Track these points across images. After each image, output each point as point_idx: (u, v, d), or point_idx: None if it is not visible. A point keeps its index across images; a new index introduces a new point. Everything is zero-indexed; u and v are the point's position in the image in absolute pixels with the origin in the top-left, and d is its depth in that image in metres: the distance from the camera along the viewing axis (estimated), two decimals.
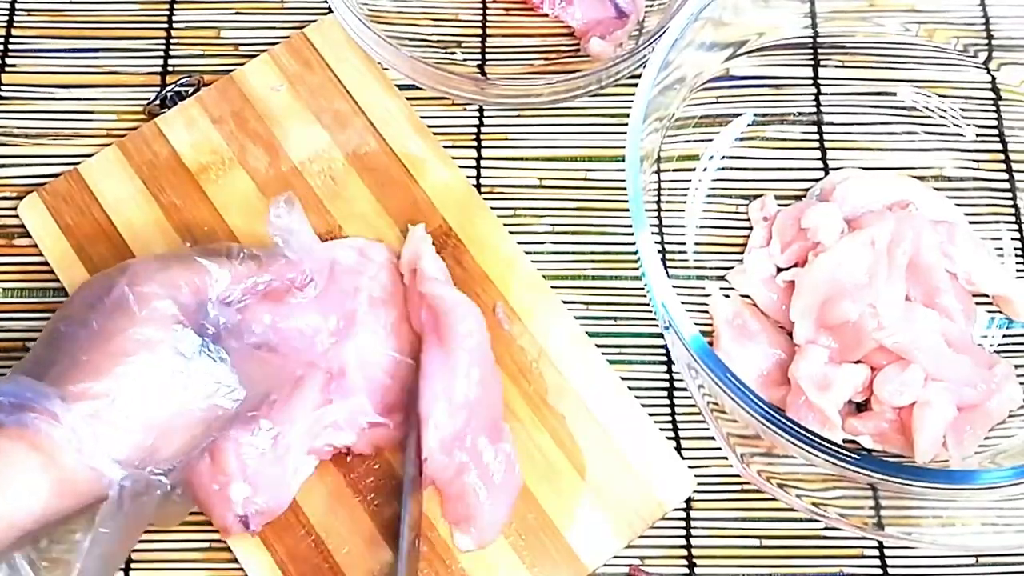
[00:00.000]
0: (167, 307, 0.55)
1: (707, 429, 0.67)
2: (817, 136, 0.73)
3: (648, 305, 0.69)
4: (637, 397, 0.67)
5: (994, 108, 0.74)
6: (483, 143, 0.74)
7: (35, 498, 0.50)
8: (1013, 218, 0.71)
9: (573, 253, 0.71)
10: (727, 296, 0.69)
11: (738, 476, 0.66)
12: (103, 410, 0.52)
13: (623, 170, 0.60)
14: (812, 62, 0.75)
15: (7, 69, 0.75)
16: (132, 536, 0.57)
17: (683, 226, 0.71)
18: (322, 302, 0.64)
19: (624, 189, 0.59)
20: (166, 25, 0.76)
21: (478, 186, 0.72)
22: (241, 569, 0.63)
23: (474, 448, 0.63)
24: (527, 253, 0.70)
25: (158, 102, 0.73)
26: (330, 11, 0.72)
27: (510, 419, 0.66)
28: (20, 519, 0.50)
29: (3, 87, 0.75)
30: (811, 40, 0.75)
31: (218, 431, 0.58)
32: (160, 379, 0.54)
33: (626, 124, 0.60)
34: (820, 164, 0.73)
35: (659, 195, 0.69)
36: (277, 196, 0.61)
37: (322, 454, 0.65)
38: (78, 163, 0.72)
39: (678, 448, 0.67)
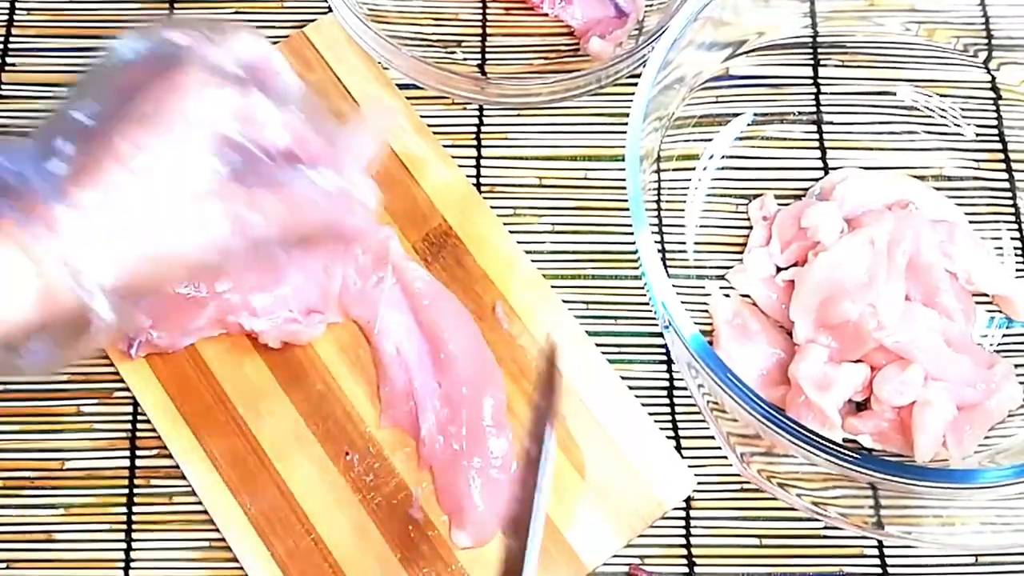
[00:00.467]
0: (216, 121, 0.49)
1: (707, 428, 0.67)
2: (817, 136, 0.73)
3: (648, 304, 0.69)
4: (637, 396, 0.67)
5: (994, 108, 0.74)
6: (483, 142, 0.74)
7: (22, 308, 0.45)
8: (1013, 218, 0.71)
9: (573, 252, 0.71)
10: (727, 295, 0.69)
11: (738, 475, 0.66)
12: (107, 229, 0.46)
13: (623, 169, 0.60)
14: (812, 62, 0.75)
15: (7, 68, 0.75)
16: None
17: (683, 225, 0.71)
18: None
19: (624, 188, 0.59)
20: None
21: (478, 185, 0.72)
22: (241, 568, 0.64)
23: (471, 438, 0.64)
24: (527, 252, 0.70)
25: None
26: (330, 10, 0.72)
27: (510, 419, 0.66)
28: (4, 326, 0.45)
29: (3, 86, 0.75)
30: (811, 40, 0.75)
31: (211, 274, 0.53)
32: (176, 209, 0.48)
33: (626, 123, 0.60)
34: (820, 164, 0.73)
35: (659, 194, 0.69)
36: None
37: (229, 327, 0.67)
38: None
39: (678, 447, 0.67)
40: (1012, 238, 0.71)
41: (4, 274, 0.44)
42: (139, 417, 0.67)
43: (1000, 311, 0.69)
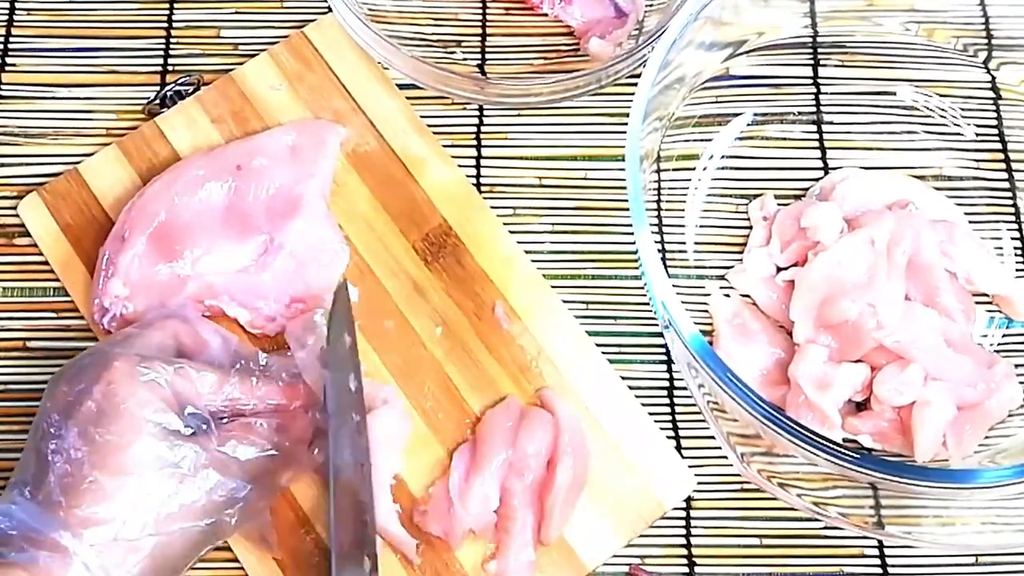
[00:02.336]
0: (166, 420, 0.56)
1: (707, 428, 0.67)
2: (817, 136, 0.73)
3: (648, 304, 0.69)
4: (637, 396, 0.67)
5: (994, 108, 0.74)
6: (483, 142, 0.74)
7: None
8: (1013, 217, 0.71)
9: (573, 252, 0.71)
10: (727, 295, 0.69)
11: (738, 475, 0.66)
12: (112, 536, 0.53)
13: (623, 169, 0.60)
14: (812, 62, 0.75)
15: (7, 68, 0.75)
16: None
17: (683, 225, 0.71)
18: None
19: (624, 188, 0.59)
20: (166, 24, 0.76)
21: (478, 185, 0.72)
22: (241, 568, 0.63)
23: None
24: (527, 252, 0.70)
25: (158, 101, 0.73)
26: (330, 10, 0.72)
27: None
28: None
29: (3, 86, 0.75)
30: (811, 39, 0.75)
31: (218, 538, 0.59)
32: (165, 497, 0.55)
33: (626, 123, 0.60)
34: (820, 164, 0.73)
35: (659, 194, 0.69)
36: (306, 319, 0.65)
37: (211, 311, 0.67)
38: (78, 162, 0.72)
39: (678, 447, 0.67)
40: (1012, 238, 0.71)
41: None
42: None
43: (1000, 311, 0.69)
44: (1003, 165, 0.73)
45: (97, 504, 0.53)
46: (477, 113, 0.74)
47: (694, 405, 0.68)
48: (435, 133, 0.73)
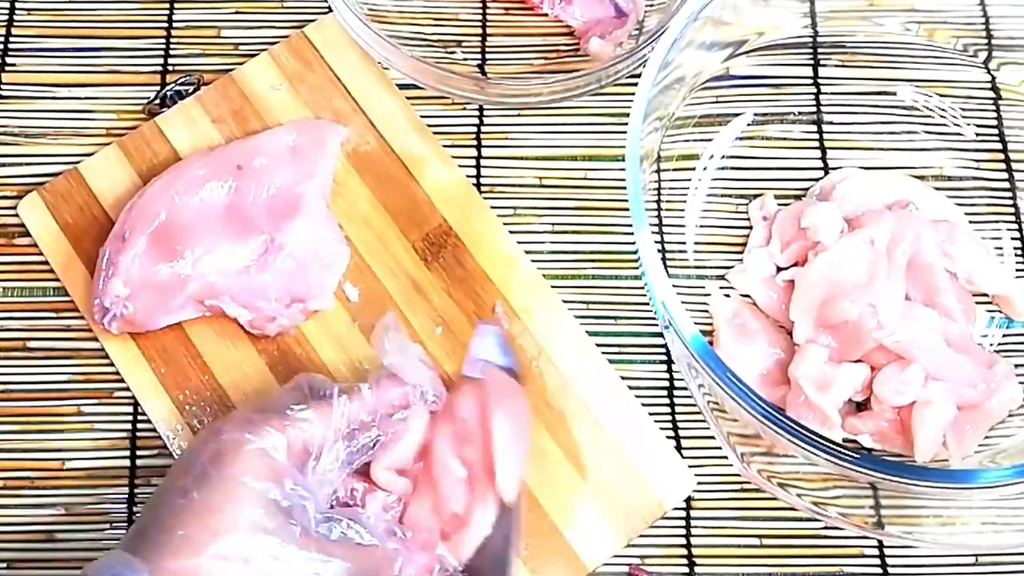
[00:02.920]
0: (266, 489, 0.54)
1: (707, 428, 0.67)
2: (817, 136, 0.73)
3: (648, 304, 0.69)
4: (637, 396, 0.67)
5: (994, 108, 0.74)
6: (483, 142, 0.74)
7: None
8: (1013, 218, 0.71)
9: (573, 252, 0.71)
10: (727, 295, 0.69)
11: (738, 475, 0.66)
12: None
13: (623, 169, 0.60)
14: (812, 62, 0.75)
15: (7, 68, 0.75)
16: None
17: (683, 225, 0.71)
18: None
19: (624, 188, 0.59)
20: (166, 24, 0.76)
21: (478, 185, 0.72)
22: None
23: None
24: (527, 252, 0.70)
25: (158, 101, 0.73)
26: (330, 10, 0.72)
27: None
28: None
29: (3, 86, 0.75)
30: (811, 40, 0.75)
31: None
32: (253, 564, 0.53)
33: (626, 123, 0.60)
34: (820, 164, 0.73)
35: (659, 194, 0.69)
36: (378, 324, 0.63)
37: (212, 310, 0.67)
38: (78, 162, 0.72)
39: (678, 447, 0.67)
40: (1012, 238, 0.71)
41: None
42: (139, 417, 0.67)
43: (1000, 311, 0.69)
44: (1003, 165, 0.72)
45: (185, 558, 0.52)
46: (477, 113, 0.74)
47: (694, 405, 0.68)
48: (435, 133, 0.73)
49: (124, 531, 0.66)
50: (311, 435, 0.57)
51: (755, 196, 0.72)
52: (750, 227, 0.71)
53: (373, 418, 0.60)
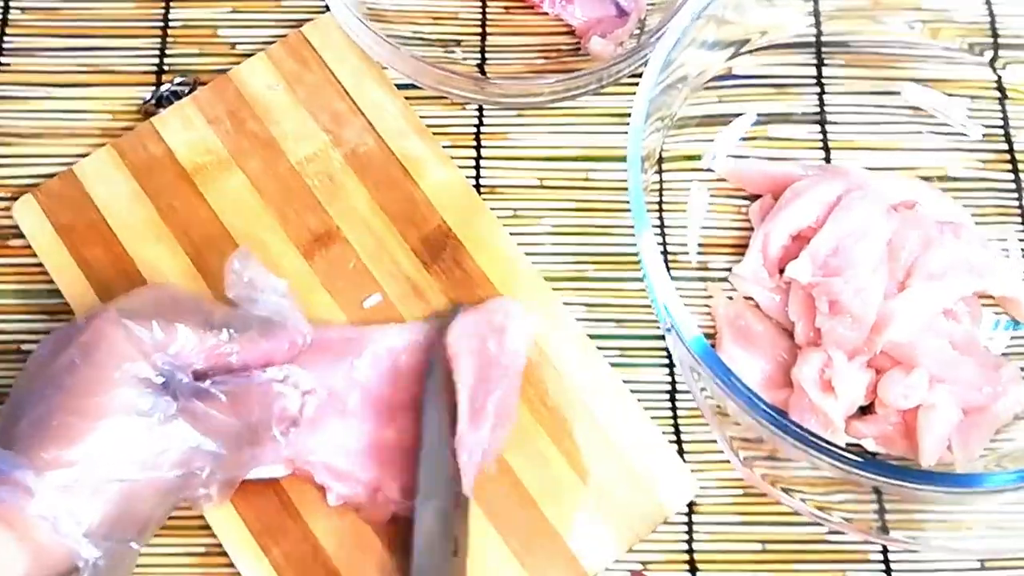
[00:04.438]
0: (139, 369, 0.55)
1: (709, 432, 0.67)
2: (821, 136, 0.73)
3: (650, 306, 0.69)
4: (639, 399, 0.67)
5: (1000, 107, 0.73)
6: (483, 143, 0.73)
7: (14, 574, 0.50)
8: (1019, 218, 0.71)
9: (574, 254, 0.71)
10: (730, 297, 0.69)
11: (741, 479, 0.66)
12: (76, 479, 0.52)
13: (624, 170, 0.59)
14: (816, 61, 0.74)
15: (2, 68, 0.75)
16: None
17: (685, 227, 0.70)
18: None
19: (625, 189, 0.59)
20: (162, 24, 0.76)
21: (478, 186, 0.72)
22: (238, 573, 0.63)
23: None
24: (527, 253, 0.70)
25: (153, 101, 0.73)
26: (328, 9, 0.72)
27: None
28: None
29: None
30: (815, 39, 0.74)
31: (195, 492, 0.57)
32: (133, 444, 0.54)
33: (627, 124, 0.60)
34: (824, 164, 0.72)
35: (661, 195, 0.69)
36: (232, 255, 0.62)
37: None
38: (73, 163, 0.71)
39: (680, 451, 0.66)
40: (1019, 239, 0.71)
41: None
42: None
43: (1006, 313, 0.69)
44: (1009, 165, 0.72)
45: (62, 447, 0.52)
46: (477, 113, 0.74)
47: (696, 408, 0.67)
48: (435, 133, 0.72)
49: None
50: (172, 341, 0.57)
51: (757, 197, 0.71)
52: (752, 228, 0.71)
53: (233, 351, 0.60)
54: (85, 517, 0.52)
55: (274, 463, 0.62)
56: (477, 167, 0.73)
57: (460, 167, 0.72)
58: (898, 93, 0.73)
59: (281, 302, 0.62)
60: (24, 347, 0.68)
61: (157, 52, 0.75)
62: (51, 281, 0.69)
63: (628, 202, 0.58)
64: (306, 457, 0.63)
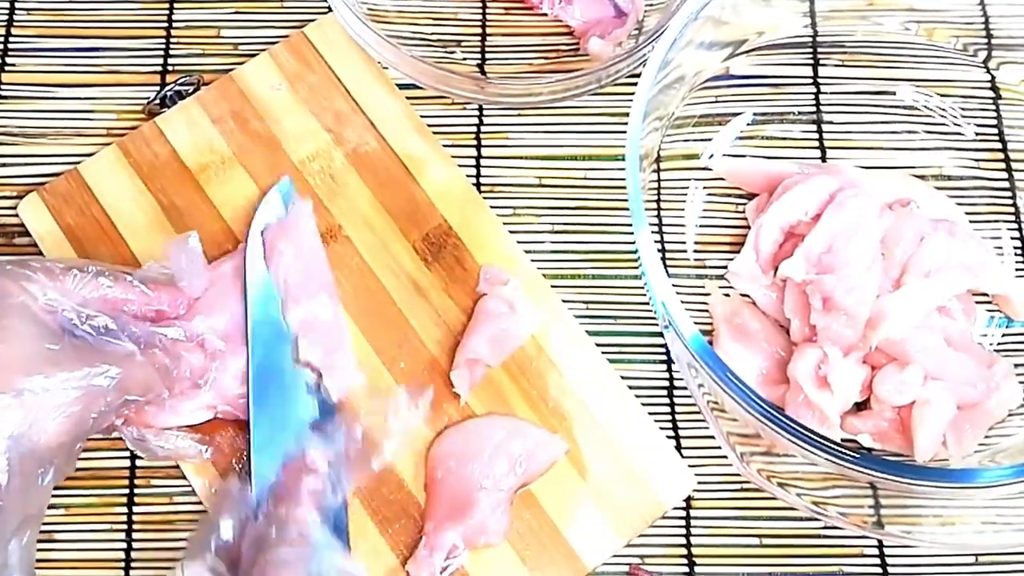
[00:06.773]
0: (26, 300, 0.57)
1: (707, 428, 0.67)
2: (817, 135, 0.73)
3: (648, 304, 0.69)
4: (637, 396, 0.67)
5: (994, 107, 0.73)
6: (483, 142, 0.74)
7: None
8: (1012, 217, 0.71)
9: (573, 252, 0.71)
10: (727, 295, 0.69)
11: (738, 475, 0.66)
12: None
13: (623, 169, 0.60)
14: (812, 61, 0.74)
15: (7, 68, 0.75)
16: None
17: (683, 225, 0.71)
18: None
19: (624, 188, 0.59)
20: (166, 24, 0.76)
21: (478, 185, 0.72)
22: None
23: None
24: (527, 252, 0.70)
25: (158, 101, 0.73)
26: (330, 10, 0.72)
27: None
28: None
29: (3, 86, 0.75)
30: (811, 39, 0.74)
31: (102, 416, 0.58)
32: (27, 360, 0.55)
33: (626, 123, 0.60)
34: (819, 163, 0.73)
35: (659, 194, 0.69)
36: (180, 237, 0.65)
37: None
38: (78, 162, 0.72)
39: (678, 447, 0.67)
40: (1012, 237, 0.71)
41: None
42: None
43: (1000, 310, 0.69)
44: (1003, 165, 0.72)
45: None
46: (477, 113, 0.74)
47: (694, 405, 0.68)
48: (435, 133, 0.73)
49: (124, 531, 0.66)
50: (62, 285, 0.59)
51: (754, 195, 0.72)
52: (749, 227, 0.71)
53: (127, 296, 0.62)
54: None
55: (195, 411, 0.64)
56: (477, 166, 0.73)
57: (460, 166, 0.72)
58: (893, 93, 0.74)
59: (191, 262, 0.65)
60: None
61: (161, 52, 0.76)
62: None
63: (626, 201, 0.59)
64: (225, 394, 0.65)
